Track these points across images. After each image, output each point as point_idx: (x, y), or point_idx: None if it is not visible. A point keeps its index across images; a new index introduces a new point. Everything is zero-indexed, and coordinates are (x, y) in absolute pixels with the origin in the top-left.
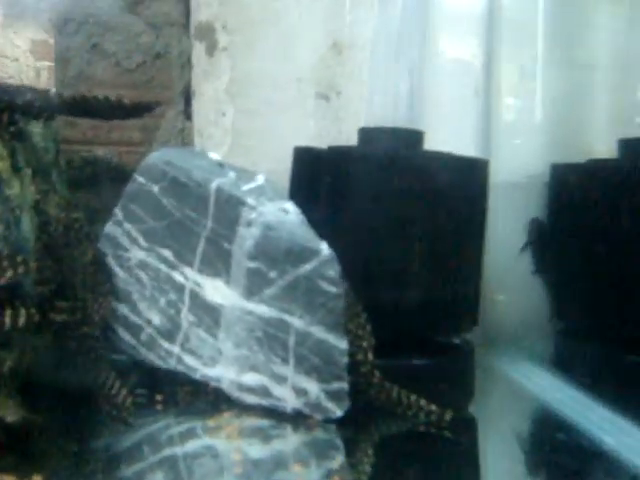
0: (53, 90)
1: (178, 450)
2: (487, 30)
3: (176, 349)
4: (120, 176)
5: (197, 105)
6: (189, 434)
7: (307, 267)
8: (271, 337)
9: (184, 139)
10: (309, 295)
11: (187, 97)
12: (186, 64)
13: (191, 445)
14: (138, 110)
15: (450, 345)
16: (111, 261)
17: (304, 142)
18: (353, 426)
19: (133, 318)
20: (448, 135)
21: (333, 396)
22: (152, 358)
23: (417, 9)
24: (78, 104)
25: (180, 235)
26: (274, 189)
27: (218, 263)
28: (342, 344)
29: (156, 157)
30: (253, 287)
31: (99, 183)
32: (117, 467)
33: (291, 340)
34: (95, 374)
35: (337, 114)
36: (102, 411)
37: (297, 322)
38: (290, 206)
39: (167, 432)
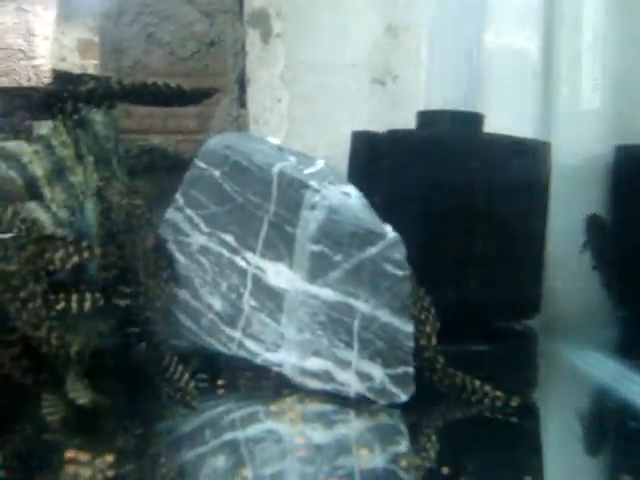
0: (114, 78)
1: (241, 434)
2: (546, 10)
3: (237, 334)
4: (176, 164)
5: (252, 92)
6: (252, 418)
7: (372, 250)
8: (335, 321)
9: (239, 126)
10: (374, 278)
11: (241, 84)
12: (240, 52)
13: (254, 429)
14: (197, 97)
15: (511, 331)
16: (172, 247)
17: (360, 127)
18: (417, 411)
19: (194, 303)
20: (507, 117)
21: (398, 381)
22: (213, 343)
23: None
24: (138, 91)
25: (242, 219)
26: (334, 173)
27: (281, 247)
28: (408, 327)
29: (216, 142)
30: (317, 270)
31: (156, 171)
32: (182, 449)
33: (356, 324)
34: (158, 359)
35: (393, 98)
36: (165, 395)
37: (362, 306)
38: (352, 189)
39: (230, 416)
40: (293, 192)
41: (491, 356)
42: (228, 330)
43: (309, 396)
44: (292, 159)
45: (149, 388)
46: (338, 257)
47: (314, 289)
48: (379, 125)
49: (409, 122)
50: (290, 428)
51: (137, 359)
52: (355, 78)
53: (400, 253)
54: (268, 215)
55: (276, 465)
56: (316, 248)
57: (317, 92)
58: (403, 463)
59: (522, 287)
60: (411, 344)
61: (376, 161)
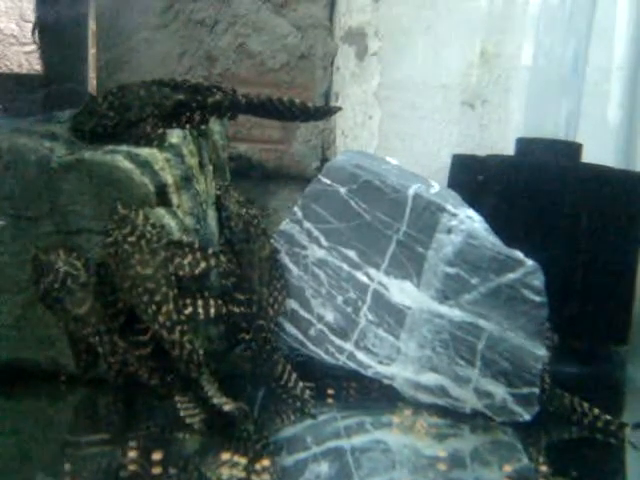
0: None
1: (355, 442)
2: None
3: (349, 346)
4: (260, 173)
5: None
6: (364, 428)
7: (511, 276)
8: (458, 340)
9: (324, 139)
10: (511, 302)
11: (327, 98)
12: (329, 66)
13: (365, 439)
14: (320, 113)
15: (601, 357)
16: (285, 257)
17: (448, 148)
18: (528, 430)
19: (303, 313)
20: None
21: (522, 400)
22: (319, 353)
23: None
24: (263, 105)
25: (368, 237)
26: (452, 195)
27: (409, 266)
28: (540, 351)
29: (343, 160)
30: (448, 292)
31: (245, 179)
32: (313, 453)
33: (480, 344)
34: (272, 366)
35: (481, 122)
36: (282, 401)
37: (492, 327)
38: (473, 213)
39: (342, 425)
40: (428, 214)
41: (581, 379)
42: (338, 341)
43: (421, 409)
44: (420, 182)
45: (264, 394)
46: (474, 280)
47: (442, 308)
48: (466, 147)
49: (496, 146)
50: (406, 440)
51: (251, 365)
52: (446, 99)
53: (539, 280)
54: (398, 235)
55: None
56: (451, 270)
57: (408, 111)
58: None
59: (612, 315)
60: (539, 366)
61: (475, 184)
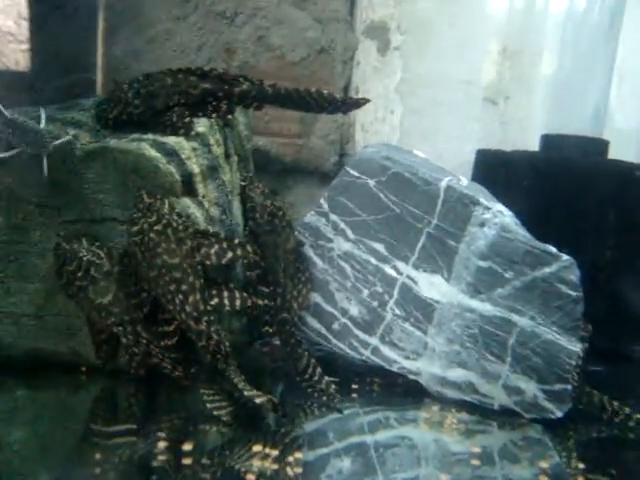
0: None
1: (380, 438)
2: None
3: (374, 340)
4: (278, 166)
5: None
6: (390, 424)
7: (546, 270)
8: (488, 335)
9: (343, 133)
10: (545, 297)
11: (346, 93)
12: (349, 60)
13: (390, 434)
14: (347, 105)
15: (628, 354)
16: (309, 250)
17: (469, 144)
18: (558, 427)
19: (326, 307)
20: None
21: (554, 397)
22: (342, 347)
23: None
24: (290, 96)
25: (397, 230)
26: (482, 189)
27: (439, 260)
28: (574, 347)
29: (372, 152)
30: (480, 286)
31: (263, 173)
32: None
33: (511, 339)
34: (296, 360)
35: (503, 118)
36: (308, 395)
37: (524, 322)
38: (503, 207)
39: (366, 420)
40: (461, 207)
41: (607, 377)
42: (362, 335)
43: (448, 405)
44: (450, 175)
45: (283, 388)
46: (508, 274)
47: (473, 303)
48: (488, 143)
49: (518, 142)
50: (432, 435)
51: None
52: (468, 95)
53: (575, 275)
54: (428, 227)
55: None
56: (484, 264)
57: (430, 106)
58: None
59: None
60: (573, 362)
61: (500, 180)
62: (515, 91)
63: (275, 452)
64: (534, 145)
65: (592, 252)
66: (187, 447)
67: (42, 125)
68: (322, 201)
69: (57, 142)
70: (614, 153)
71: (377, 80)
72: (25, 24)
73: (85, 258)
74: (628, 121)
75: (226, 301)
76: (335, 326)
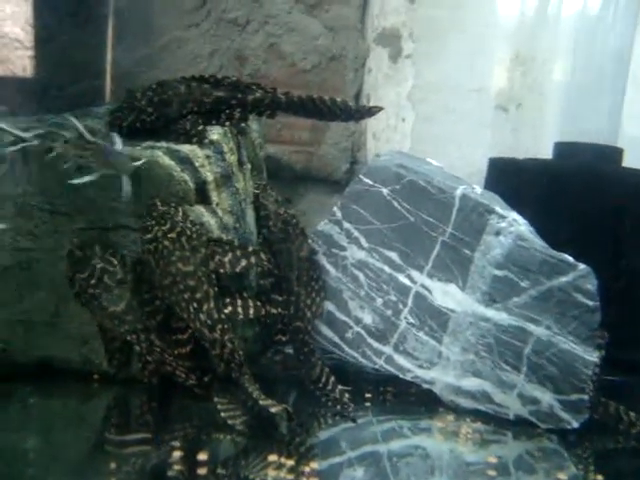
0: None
1: (394, 447)
2: None
3: (388, 349)
4: (289, 174)
5: None
6: (404, 433)
7: (563, 279)
8: (503, 344)
9: (354, 142)
10: (562, 306)
11: (357, 100)
12: (360, 68)
13: (404, 443)
14: (361, 113)
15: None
16: (322, 258)
17: (481, 152)
18: (574, 438)
19: (339, 316)
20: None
21: (570, 407)
22: (355, 356)
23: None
24: (304, 104)
25: (411, 239)
26: (497, 198)
27: (454, 269)
28: (591, 356)
29: (386, 160)
30: (496, 295)
31: (274, 180)
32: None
33: (527, 349)
34: (309, 368)
35: (515, 125)
36: (322, 404)
37: (540, 331)
38: (518, 216)
39: (379, 430)
40: (476, 216)
41: (621, 386)
42: (376, 344)
43: (462, 415)
44: (464, 184)
45: (295, 397)
46: (525, 283)
47: (488, 312)
48: (500, 151)
49: (530, 150)
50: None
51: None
52: (479, 103)
53: (592, 284)
54: (443, 236)
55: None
56: (500, 273)
57: (442, 114)
58: None
59: None
60: (589, 372)
61: (514, 188)
62: (527, 98)
63: (290, 462)
64: (547, 152)
65: (606, 260)
66: (202, 457)
67: (120, 147)
68: (335, 209)
69: (137, 163)
70: (628, 160)
71: (389, 87)
72: (32, 31)
73: (98, 266)
74: None
75: (240, 309)
76: (348, 335)
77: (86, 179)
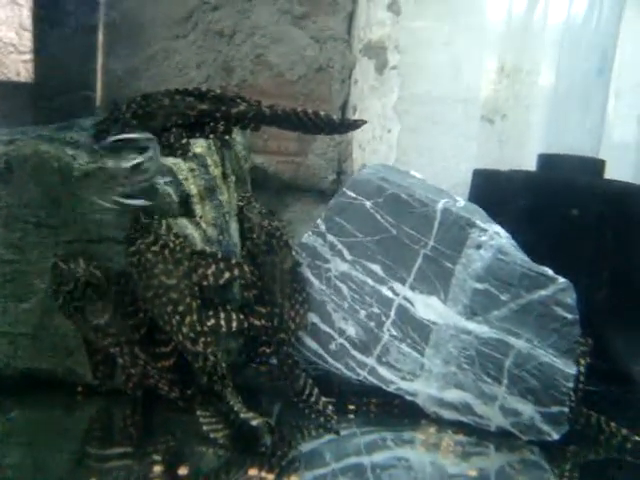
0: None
1: (377, 459)
2: None
3: (371, 361)
4: (276, 185)
5: None
6: (387, 445)
7: (543, 293)
8: (485, 357)
9: (340, 152)
10: (542, 320)
11: (344, 111)
12: (346, 79)
13: (387, 455)
14: (345, 126)
15: (627, 375)
16: (306, 270)
17: (466, 163)
18: (555, 449)
19: (323, 327)
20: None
21: (550, 419)
22: (339, 367)
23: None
24: (287, 117)
25: (393, 251)
26: (479, 210)
27: (436, 281)
28: (571, 369)
29: (369, 173)
30: (477, 308)
31: (261, 191)
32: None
33: (508, 361)
34: (293, 380)
35: (500, 137)
36: (301, 417)
37: (521, 344)
38: (499, 229)
39: (363, 441)
40: (457, 229)
41: (606, 397)
42: (360, 356)
43: (444, 426)
44: (447, 197)
45: (279, 408)
46: (505, 297)
47: (469, 325)
48: (485, 162)
49: (515, 161)
50: (429, 456)
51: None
52: (465, 114)
53: (571, 298)
54: (425, 249)
55: None
56: (480, 286)
57: (427, 125)
58: None
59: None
60: (570, 385)
61: (497, 199)
62: (512, 109)
63: (271, 476)
64: (531, 164)
65: (589, 272)
66: (183, 471)
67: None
68: (319, 222)
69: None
70: (611, 169)
71: (375, 99)
72: (27, 35)
73: (82, 278)
74: (625, 137)
75: (223, 322)
76: (332, 346)
77: (139, 202)
